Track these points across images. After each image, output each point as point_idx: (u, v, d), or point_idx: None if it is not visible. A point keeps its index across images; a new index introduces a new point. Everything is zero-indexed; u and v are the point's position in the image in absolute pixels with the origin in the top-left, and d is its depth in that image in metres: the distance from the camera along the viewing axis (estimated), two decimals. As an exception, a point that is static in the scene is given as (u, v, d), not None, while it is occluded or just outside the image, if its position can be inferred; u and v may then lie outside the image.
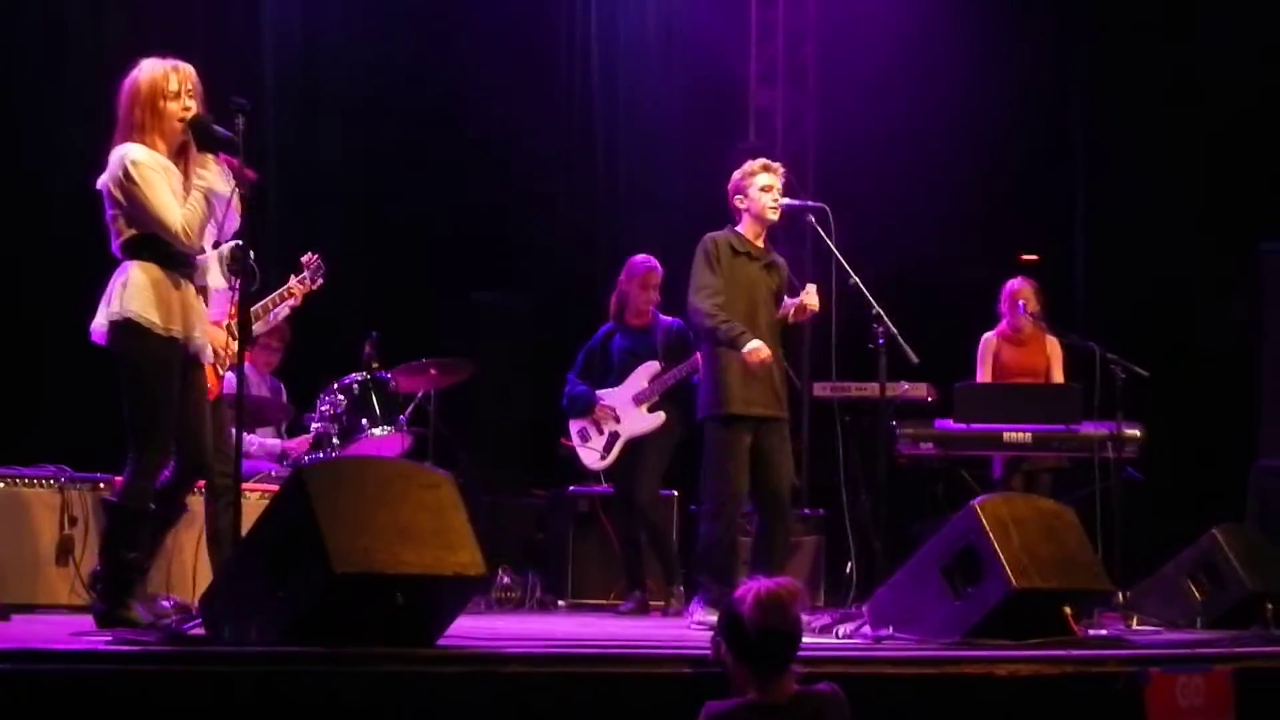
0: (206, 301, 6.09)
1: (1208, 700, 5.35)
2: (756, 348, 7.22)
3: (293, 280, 7.25)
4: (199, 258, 6.00)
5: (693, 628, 7.00)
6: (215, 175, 5.84)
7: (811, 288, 7.47)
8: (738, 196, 7.50)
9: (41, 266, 9.19)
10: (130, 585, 5.89)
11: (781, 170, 7.55)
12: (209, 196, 5.82)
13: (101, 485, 7.40)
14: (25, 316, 9.09)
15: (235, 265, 5.84)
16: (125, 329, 5.82)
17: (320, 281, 7.23)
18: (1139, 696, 5.22)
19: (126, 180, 5.81)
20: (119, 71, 9.38)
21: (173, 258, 5.88)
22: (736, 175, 7.53)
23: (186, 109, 5.88)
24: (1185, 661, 5.59)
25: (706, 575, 7.27)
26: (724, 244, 7.44)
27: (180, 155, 5.92)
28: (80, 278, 8.91)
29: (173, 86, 5.87)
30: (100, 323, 5.92)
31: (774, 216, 7.46)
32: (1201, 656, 5.82)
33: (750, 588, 4.32)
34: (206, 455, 6.01)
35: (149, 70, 5.93)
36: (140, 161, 5.82)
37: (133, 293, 5.82)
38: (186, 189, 5.85)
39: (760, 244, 7.50)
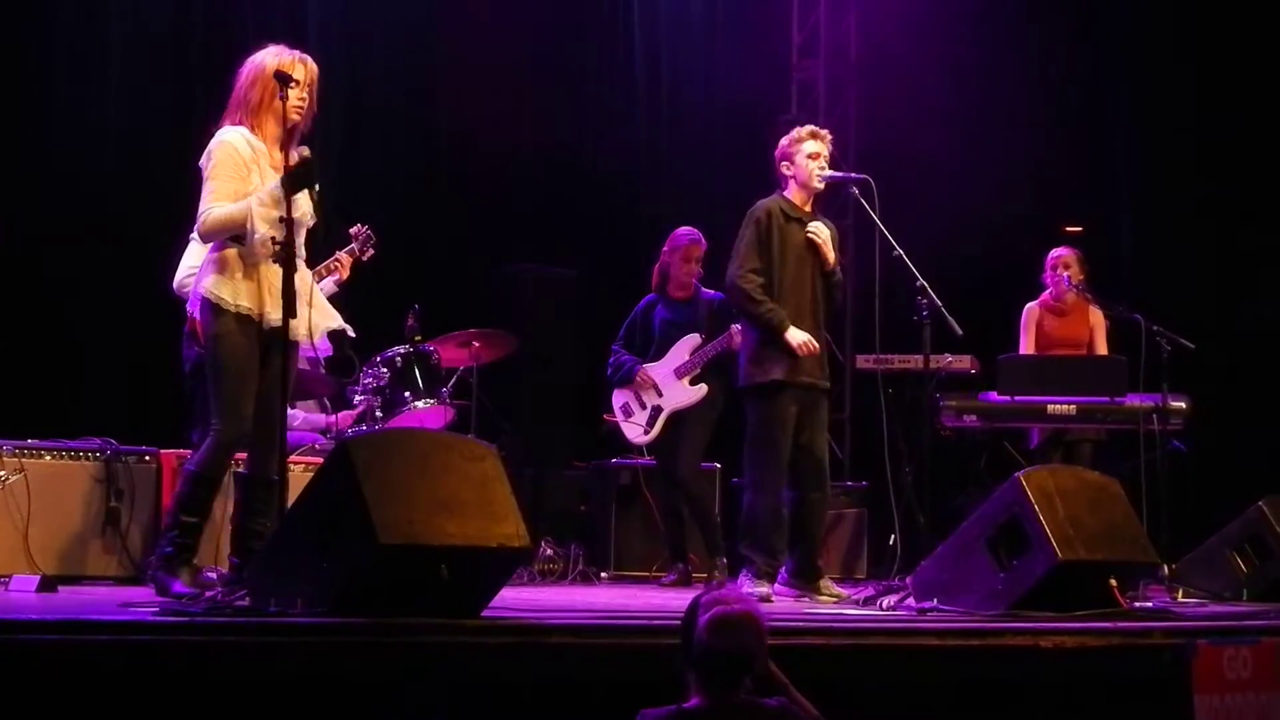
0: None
1: (1254, 672, 5.33)
2: (804, 340, 7.23)
3: (339, 253, 7.27)
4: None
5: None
6: (270, 212, 5.82)
7: (814, 225, 7.42)
8: (784, 163, 7.48)
9: (85, 242, 9.26)
10: (183, 552, 5.98)
11: (829, 138, 7.53)
12: (253, 219, 5.81)
13: (147, 458, 7.45)
14: (71, 291, 9.15)
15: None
16: (203, 305, 5.97)
17: (371, 252, 7.26)
18: (1186, 669, 5.20)
19: (208, 156, 5.94)
20: (161, 60, 9.58)
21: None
22: (784, 142, 7.51)
23: (302, 100, 5.93)
24: (1232, 634, 5.58)
25: (752, 547, 7.26)
26: (776, 212, 7.42)
27: (283, 146, 5.94)
28: (123, 252, 9.08)
29: (296, 75, 5.91)
30: (192, 298, 6.13)
31: (819, 185, 7.45)
32: (1248, 629, 5.80)
33: (712, 605, 4.20)
34: (274, 432, 5.94)
35: (276, 54, 6.01)
36: (227, 142, 5.94)
37: (208, 270, 5.99)
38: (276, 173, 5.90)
39: (807, 209, 7.49)
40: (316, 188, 6.05)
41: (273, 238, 5.80)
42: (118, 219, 9.33)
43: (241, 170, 5.91)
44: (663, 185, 11.85)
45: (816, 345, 7.28)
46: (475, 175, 11.09)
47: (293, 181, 5.77)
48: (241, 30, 9.75)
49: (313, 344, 6.21)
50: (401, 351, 8.33)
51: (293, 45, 6.14)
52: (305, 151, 5.83)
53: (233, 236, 5.92)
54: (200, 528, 6.09)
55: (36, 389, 8.77)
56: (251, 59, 6.06)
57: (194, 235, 6.29)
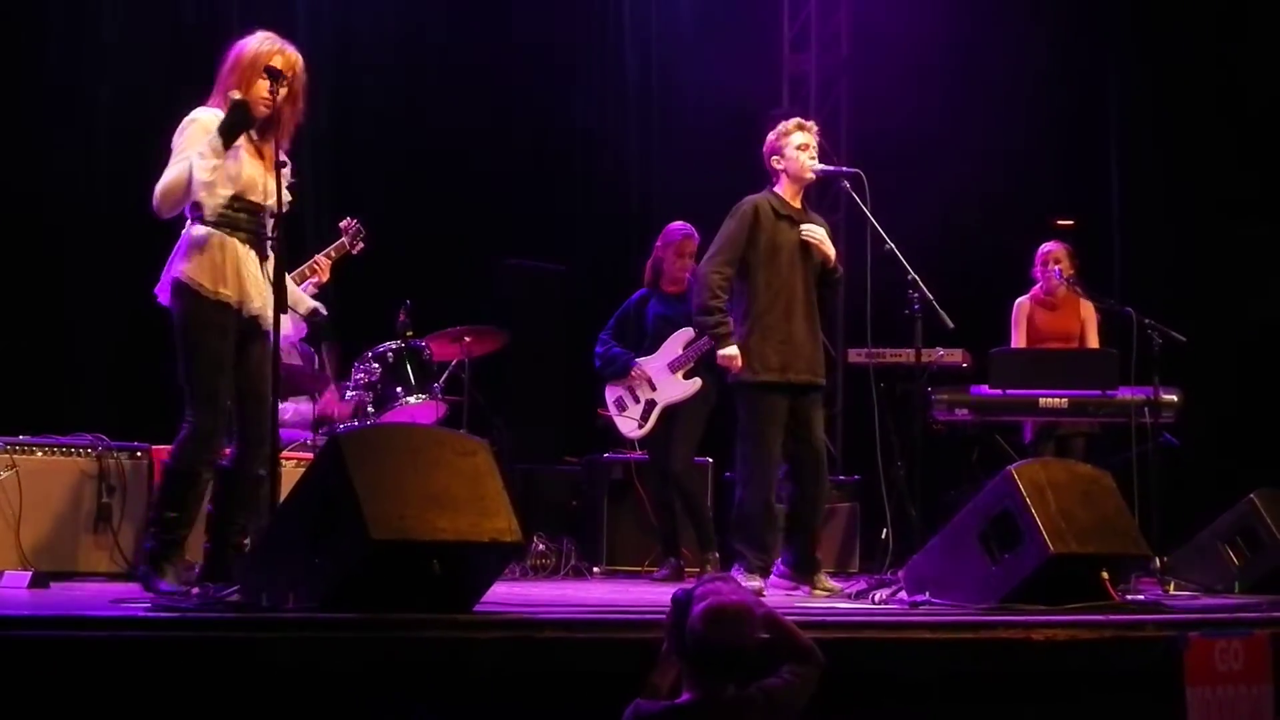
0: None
1: (1246, 665, 5.33)
2: (730, 355, 7.24)
3: (317, 256, 7.25)
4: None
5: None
6: (209, 162, 5.84)
7: (807, 226, 7.41)
8: (774, 157, 7.46)
9: (79, 239, 9.24)
10: (167, 549, 5.94)
11: (815, 129, 7.52)
12: (192, 170, 5.83)
13: (139, 454, 7.44)
14: (62, 286, 9.14)
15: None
16: (177, 290, 5.91)
17: (361, 245, 7.24)
18: (1177, 661, 5.20)
19: (179, 134, 5.92)
20: (149, 46, 9.57)
21: (233, 223, 5.92)
22: (772, 136, 7.49)
23: (274, 92, 5.90)
24: (1224, 626, 5.58)
25: (745, 543, 7.27)
26: (765, 208, 7.39)
27: (262, 133, 5.97)
28: (114, 247, 9.06)
29: (275, 64, 5.90)
30: (163, 283, 6.01)
31: (811, 176, 7.43)
32: (1240, 621, 5.80)
33: (708, 596, 4.18)
34: (264, 427, 5.87)
35: (258, 41, 6.01)
36: (198, 120, 5.92)
37: (184, 254, 5.91)
38: (265, 164, 5.90)
39: (798, 204, 7.47)
40: (290, 184, 6.01)
41: (242, 213, 5.87)
42: (113, 217, 9.31)
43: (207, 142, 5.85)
44: (654, 180, 11.85)
45: (740, 363, 7.27)
46: (466, 170, 11.07)
47: (229, 128, 5.79)
48: (228, 26, 9.72)
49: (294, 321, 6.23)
50: (393, 347, 8.33)
51: (281, 37, 6.12)
52: (235, 95, 5.82)
53: (203, 220, 5.88)
54: (183, 523, 5.99)
55: (27, 385, 8.74)
56: (236, 44, 6.05)
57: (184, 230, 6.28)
